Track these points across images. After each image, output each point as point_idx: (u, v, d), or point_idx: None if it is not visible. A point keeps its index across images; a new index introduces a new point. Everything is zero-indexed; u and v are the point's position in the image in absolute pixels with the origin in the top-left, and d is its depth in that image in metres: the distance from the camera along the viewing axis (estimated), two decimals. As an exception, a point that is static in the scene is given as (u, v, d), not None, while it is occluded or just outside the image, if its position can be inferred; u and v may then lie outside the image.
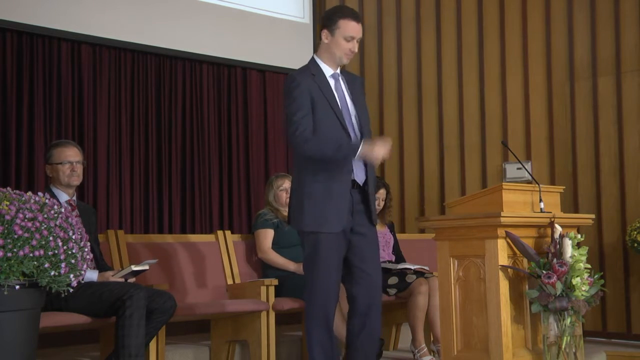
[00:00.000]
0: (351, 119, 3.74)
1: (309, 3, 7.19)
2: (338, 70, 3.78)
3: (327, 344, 3.64)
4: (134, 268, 3.92)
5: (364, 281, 3.71)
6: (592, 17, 5.96)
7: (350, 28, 3.69)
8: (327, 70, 3.75)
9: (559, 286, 3.80)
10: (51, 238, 2.81)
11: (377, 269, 3.80)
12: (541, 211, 4.08)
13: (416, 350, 4.85)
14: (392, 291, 5.00)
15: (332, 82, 3.74)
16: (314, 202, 3.63)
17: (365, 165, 3.73)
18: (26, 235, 2.75)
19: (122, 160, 5.90)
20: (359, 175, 3.72)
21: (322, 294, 3.64)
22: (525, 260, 4.00)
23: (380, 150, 3.57)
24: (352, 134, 3.70)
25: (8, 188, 2.93)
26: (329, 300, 3.65)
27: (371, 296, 3.72)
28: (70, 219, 2.97)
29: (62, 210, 2.96)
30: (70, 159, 4.02)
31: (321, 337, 3.63)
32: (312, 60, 3.78)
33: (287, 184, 4.98)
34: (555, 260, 3.84)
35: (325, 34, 3.72)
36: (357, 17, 3.75)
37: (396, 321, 5.39)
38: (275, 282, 4.58)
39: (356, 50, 3.75)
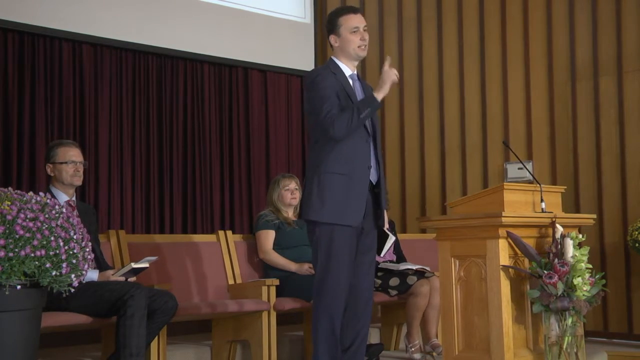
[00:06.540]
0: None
1: (310, 3, 7.19)
2: (355, 72, 3.85)
3: (332, 341, 3.63)
4: (134, 265, 3.91)
5: (353, 288, 3.71)
6: (594, 17, 5.95)
7: (351, 20, 3.79)
8: (346, 70, 3.82)
9: (560, 286, 3.80)
10: (52, 238, 2.81)
11: (371, 275, 3.84)
12: (542, 211, 4.08)
13: (409, 345, 4.91)
14: (393, 292, 5.00)
15: (350, 81, 3.80)
16: (334, 194, 3.62)
17: (378, 164, 3.76)
18: (27, 235, 2.75)
19: (123, 160, 5.90)
20: (373, 175, 3.75)
21: (333, 289, 3.62)
22: (526, 260, 4.00)
23: (390, 73, 3.68)
24: (369, 129, 3.75)
25: (9, 188, 2.93)
26: (339, 295, 3.63)
27: (358, 304, 3.74)
28: (71, 219, 2.97)
29: (64, 210, 2.96)
30: (74, 159, 4.02)
31: (327, 334, 3.62)
32: (331, 61, 3.84)
33: (293, 184, 4.99)
34: (556, 260, 3.84)
35: (333, 38, 3.81)
36: (354, 9, 3.86)
37: (397, 321, 5.38)
38: (276, 282, 4.58)
39: (367, 38, 3.82)
